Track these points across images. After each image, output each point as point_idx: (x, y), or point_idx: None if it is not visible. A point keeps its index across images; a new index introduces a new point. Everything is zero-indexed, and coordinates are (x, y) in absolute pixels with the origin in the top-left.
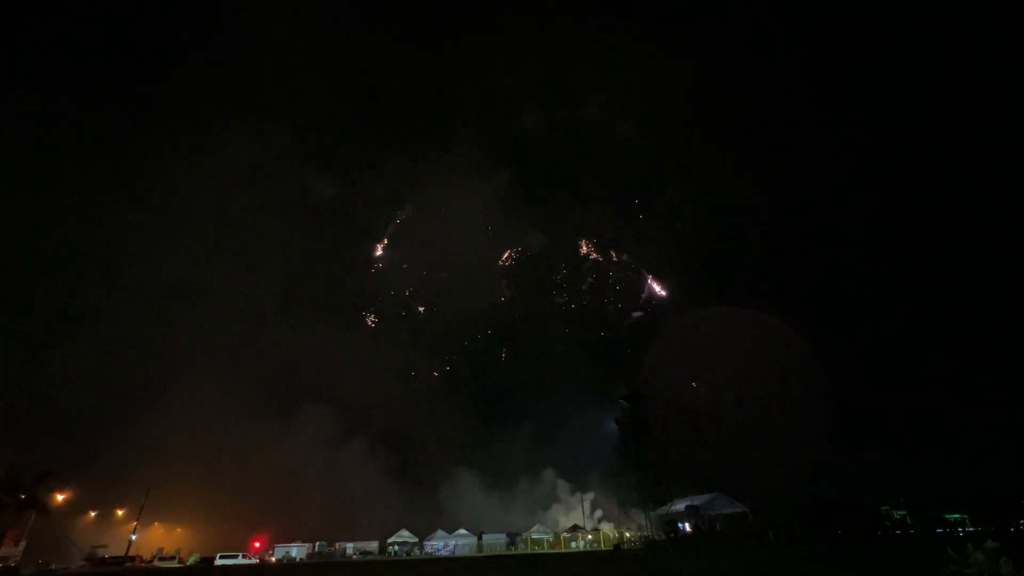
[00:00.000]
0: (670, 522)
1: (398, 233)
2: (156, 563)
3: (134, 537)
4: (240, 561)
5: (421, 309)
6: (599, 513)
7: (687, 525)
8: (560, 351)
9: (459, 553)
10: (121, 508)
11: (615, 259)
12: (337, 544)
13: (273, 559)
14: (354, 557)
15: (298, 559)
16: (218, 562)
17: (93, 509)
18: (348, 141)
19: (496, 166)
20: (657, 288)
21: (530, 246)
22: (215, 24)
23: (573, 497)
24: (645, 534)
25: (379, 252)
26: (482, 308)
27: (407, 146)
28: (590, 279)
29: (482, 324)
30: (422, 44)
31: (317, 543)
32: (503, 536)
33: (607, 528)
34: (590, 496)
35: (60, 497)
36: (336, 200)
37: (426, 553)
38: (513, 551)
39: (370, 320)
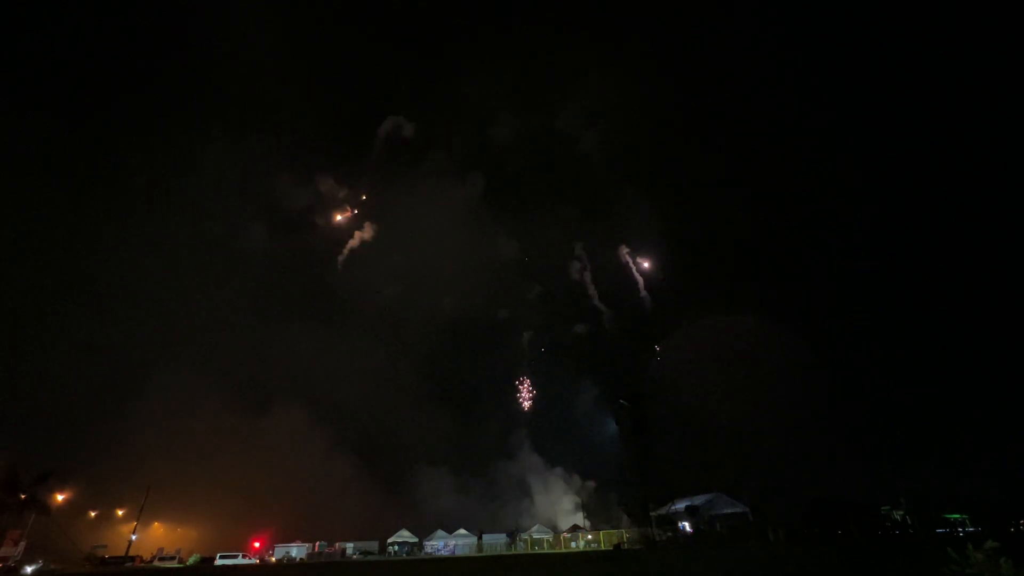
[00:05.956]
0: (670, 522)
1: (371, 238)
2: (156, 563)
3: (134, 537)
4: (240, 561)
5: (394, 310)
6: (589, 508)
7: (687, 525)
8: (535, 353)
9: (459, 553)
10: (121, 508)
11: (591, 265)
12: (337, 544)
13: (273, 559)
14: (354, 557)
15: (298, 559)
16: (218, 562)
17: (93, 509)
18: (322, 149)
19: (469, 173)
20: (642, 290)
21: (503, 252)
22: (194, 36)
23: (553, 474)
24: (645, 534)
25: (352, 256)
26: (455, 312)
27: (382, 153)
28: (556, 285)
29: (457, 327)
30: (399, 52)
31: (317, 543)
32: (503, 536)
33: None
34: (576, 481)
35: (60, 497)
36: (309, 206)
37: (426, 553)
38: (513, 551)
39: (348, 321)
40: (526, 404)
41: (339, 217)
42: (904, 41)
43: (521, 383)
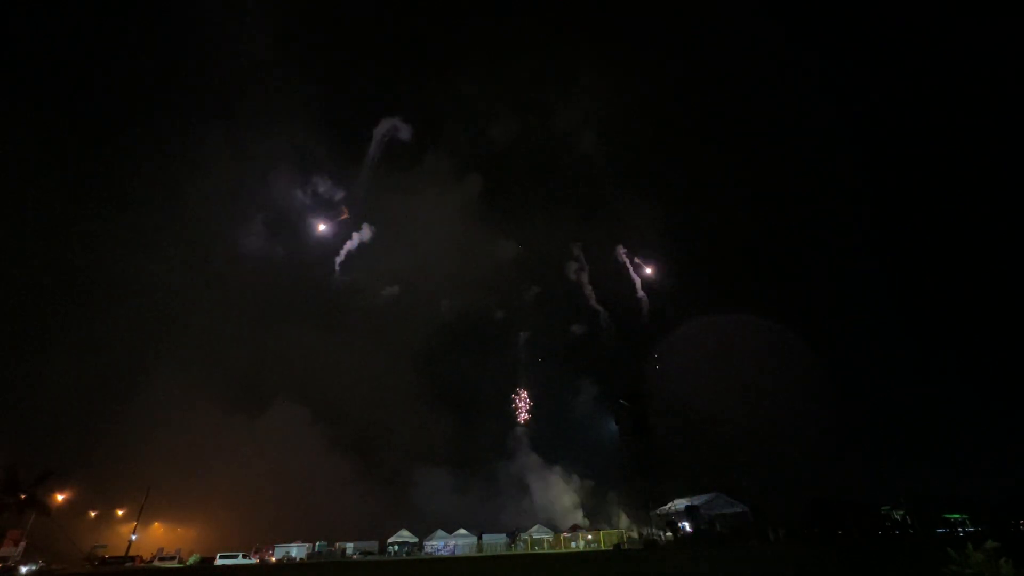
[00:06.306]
0: (670, 522)
1: (369, 240)
2: (156, 563)
3: (134, 537)
4: (240, 561)
5: (393, 311)
6: (589, 508)
7: (687, 525)
8: (532, 356)
9: (459, 553)
10: (121, 508)
11: (589, 265)
12: (337, 544)
13: (273, 559)
14: (354, 557)
15: (298, 559)
16: (218, 562)
17: (93, 509)
18: (320, 150)
19: (467, 174)
20: (639, 291)
21: (500, 252)
22: (192, 36)
23: (552, 474)
24: (645, 534)
25: (350, 257)
26: (453, 312)
27: (379, 155)
28: (554, 285)
29: (455, 327)
30: (397, 52)
31: (317, 543)
32: (503, 536)
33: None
34: (575, 481)
35: (60, 497)
36: (307, 207)
37: (426, 553)
38: (513, 551)
39: (347, 322)
40: (523, 417)
41: (336, 219)
42: (904, 41)
43: (518, 395)
